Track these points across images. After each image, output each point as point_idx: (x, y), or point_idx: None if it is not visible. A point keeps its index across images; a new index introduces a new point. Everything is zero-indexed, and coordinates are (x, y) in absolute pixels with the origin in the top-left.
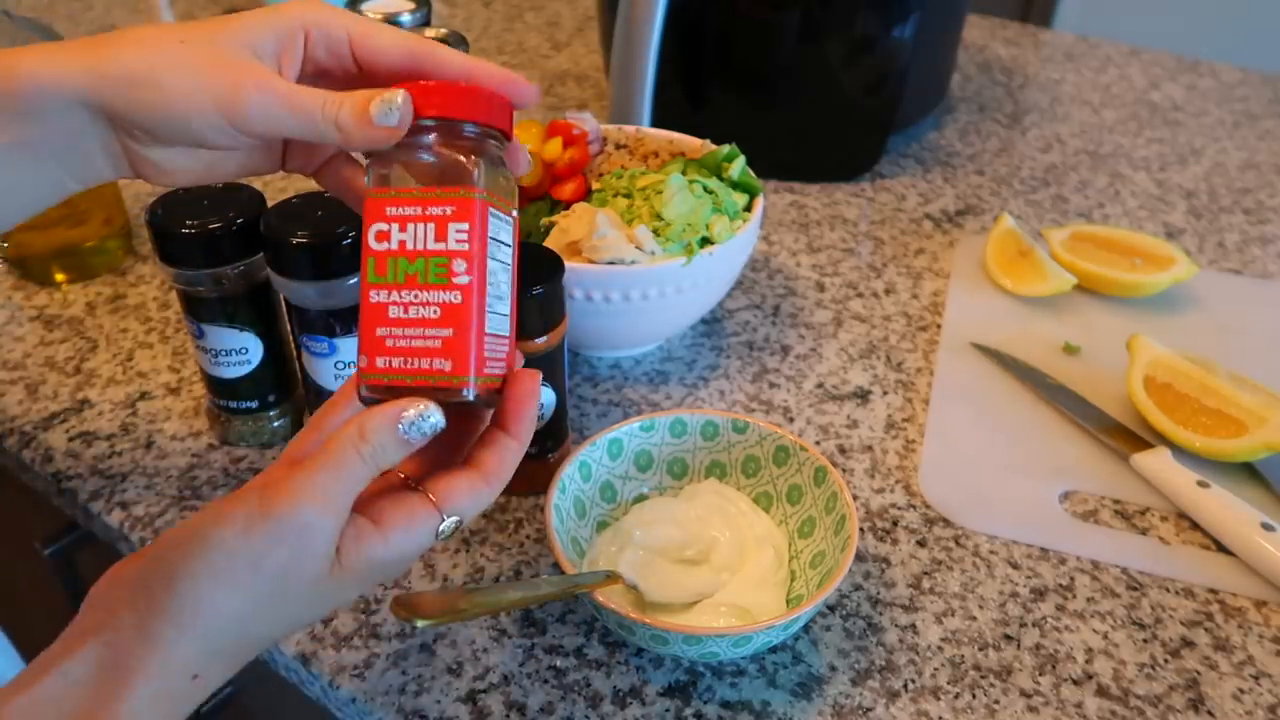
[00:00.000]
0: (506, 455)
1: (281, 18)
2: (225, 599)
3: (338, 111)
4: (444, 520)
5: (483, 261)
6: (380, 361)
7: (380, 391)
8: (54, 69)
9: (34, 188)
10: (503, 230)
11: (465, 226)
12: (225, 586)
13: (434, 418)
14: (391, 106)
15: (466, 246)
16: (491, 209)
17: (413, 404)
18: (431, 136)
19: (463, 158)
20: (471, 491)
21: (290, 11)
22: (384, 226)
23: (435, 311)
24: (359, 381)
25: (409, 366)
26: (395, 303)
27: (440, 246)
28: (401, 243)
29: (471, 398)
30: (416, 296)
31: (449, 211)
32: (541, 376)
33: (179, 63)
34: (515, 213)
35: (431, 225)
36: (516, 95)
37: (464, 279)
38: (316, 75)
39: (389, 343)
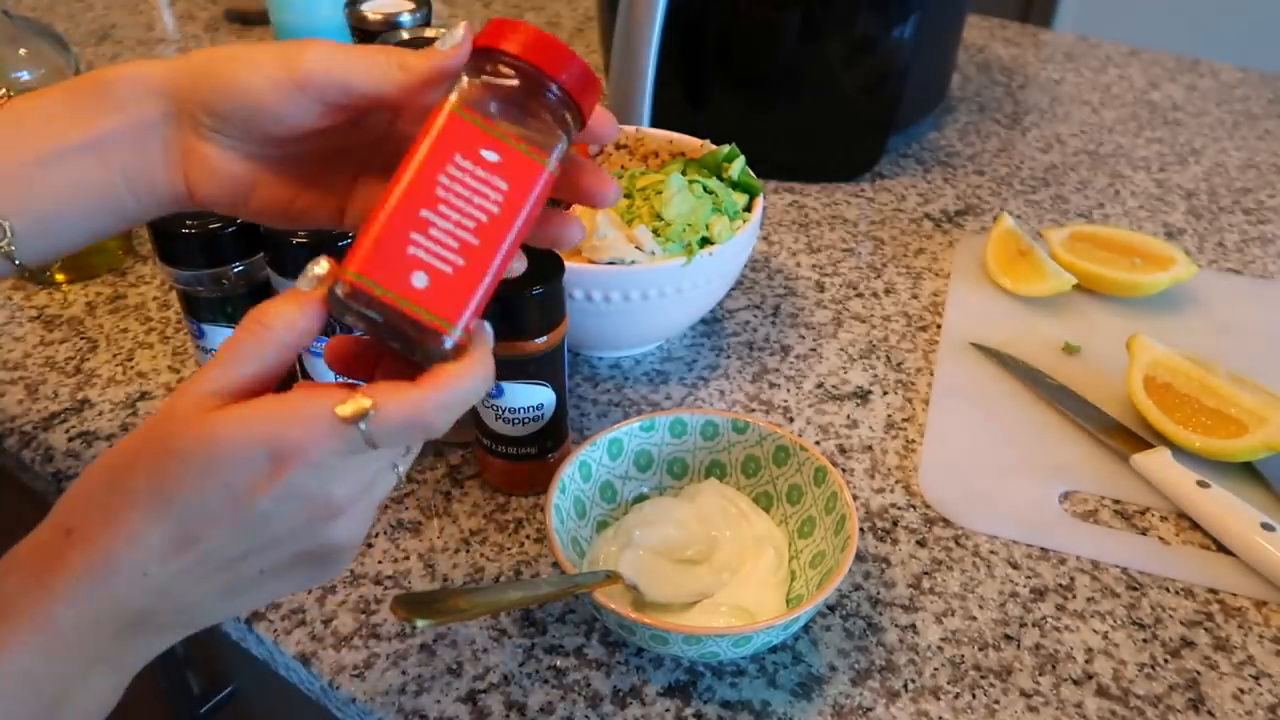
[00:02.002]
0: (441, 373)
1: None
2: (98, 460)
3: (400, 54)
4: (347, 400)
5: (520, 230)
6: (371, 270)
7: (360, 300)
8: (143, 63)
9: (90, 196)
10: (539, 209)
11: (526, 191)
12: (104, 454)
13: (321, 263)
14: (454, 32)
15: (519, 210)
16: (551, 182)
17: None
18: (541, 95)
19: (558, 129)
20: (395, 387)
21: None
22: (455, 148)
23: (459, 255)
24: (336, 277)
25: (398, 288)
26: (421, 223)
27: (496, 196)
28: (462, 172)
29: (448, 346)
30: (447, 228)
31: (521, 170)
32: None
33: (257, 44)
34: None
35: (497, 175)
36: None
37: (501, 235)
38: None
39: (393, 257)
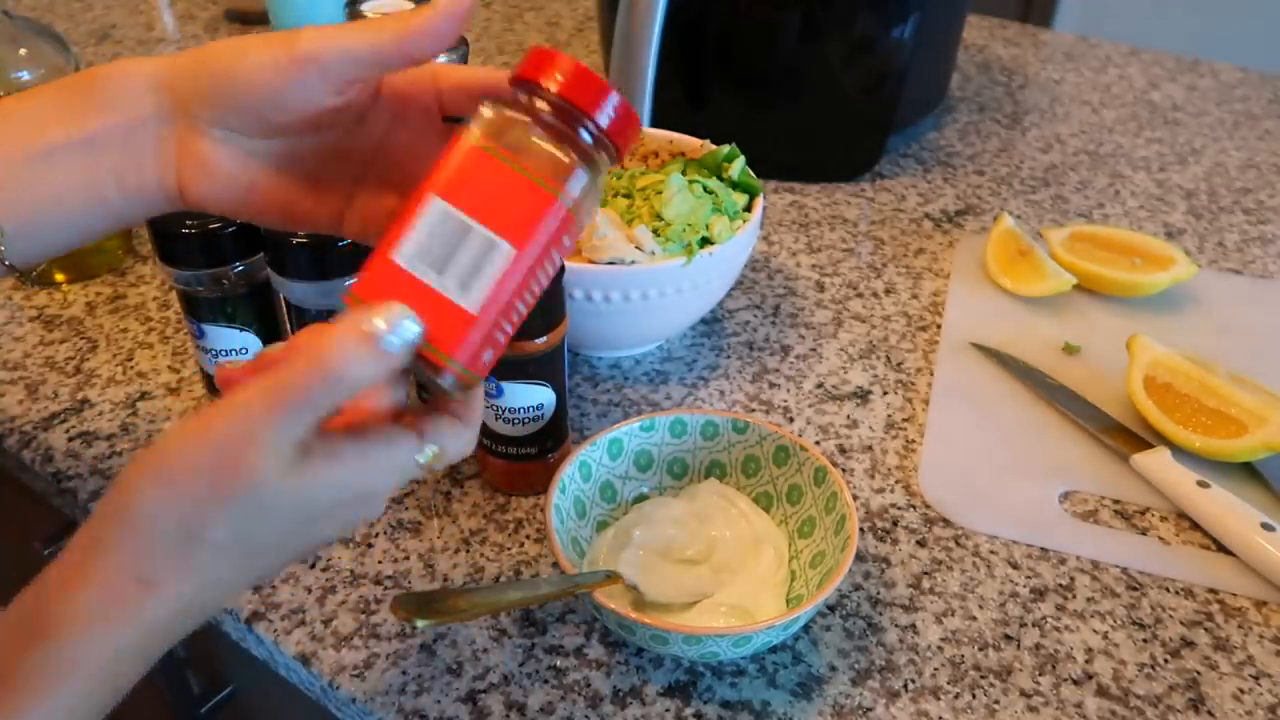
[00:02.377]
0: (475, 401)
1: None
2: (158, 496)
3: (397, 14)
4: (424, 448)
5: (531, 269)
6: (383, 299)
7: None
8: (139, 60)
9: (79, 196)
10: (558, 254)
11: (537, 224)
12: (160, 485)
13: (410, 326)
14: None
15: (529, 244)
16: (570, 225)
17: (381, 310)
18: (572, 130)
19: (582, 164)
20: (451, 427)
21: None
22: (467, 166)
23: (458, 283)
24: (347, 295)
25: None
26: (425, 245)
27: (507, 229)
28: (467, 192)
29: (448, 378)
30: (449, 254)
31: (534, 203)
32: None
33: (253, 36)
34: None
35: (510, 208)
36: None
37: (512, 269)
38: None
39: (400, 285)
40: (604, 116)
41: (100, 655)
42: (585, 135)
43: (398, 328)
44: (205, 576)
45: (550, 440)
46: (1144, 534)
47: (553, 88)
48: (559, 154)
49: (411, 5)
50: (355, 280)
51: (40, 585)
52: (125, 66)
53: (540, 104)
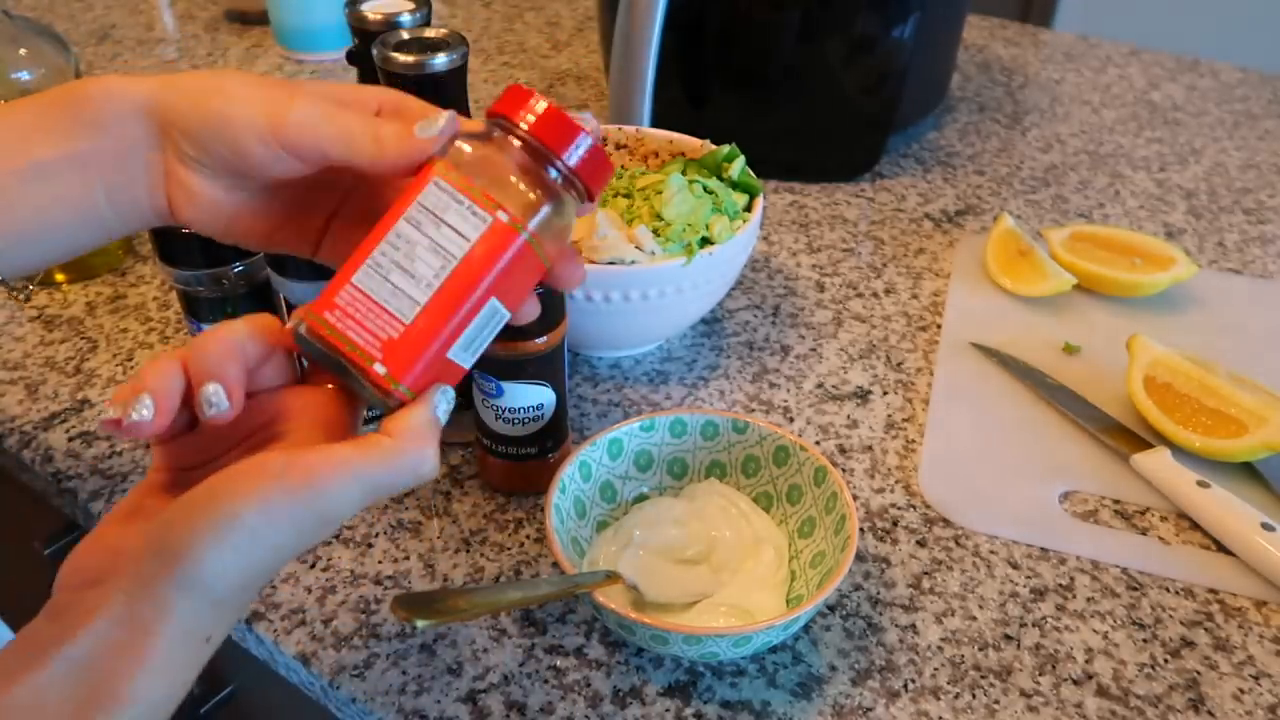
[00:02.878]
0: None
1: None
2: (238, 568)
3: (379, 127)
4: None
5: (485, 293)
6: (330, 315)
7: (315, 339)
8: (126, 81)
9: (71, 211)
10: (524, 278)
11: (496, 255)
12: (240, 556)
13: (451, 395)
14: (435, 121)
15: (485, 273)
16: (531, 252)
17: (436, 393)
18: (539, 168)
19: (546, 201)
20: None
21: None
22: (428, 205)
23: (416, 312)
24: (300, 318)
25: (352, 336)
26: (382, 276)
27: (462, 257)
28: (431, 229)
29: (392, 400)
30: (407, 283)
31: (494, 235)
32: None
33: (245, 78)
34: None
35: (466, 237)
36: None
37: (462, 297)
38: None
39: (351, 304)
40: (573, 156)
41: (165, 709)
42: (553, 173)
43: (447, 400)
44: (263, 583)
45: (550, 440)
46: (1144, 534)
47: (524, 125)
48: (523, 187)
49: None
50: (320, 293)
51: (91, 645)
52: (110, 87)
53: (511, 140)
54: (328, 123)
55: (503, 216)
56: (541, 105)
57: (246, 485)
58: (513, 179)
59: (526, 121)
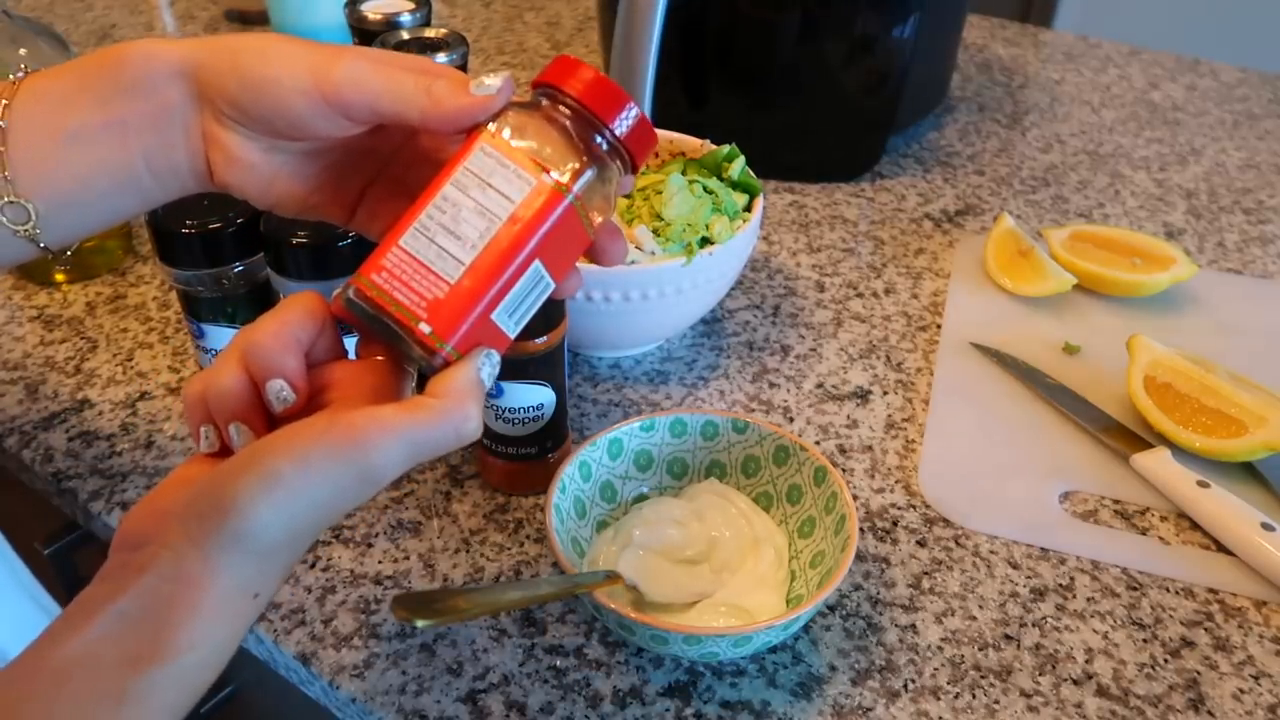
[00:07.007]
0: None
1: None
2: (279, 524)
3: (432, 82)
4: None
5: (530, 255)
6: (377, 277)
7: (362, 301)
8: (165, 44)
9: (110, 177)
10: (569, 245)
11: (542, 217)
12: (279, 511)
13: (496, 359)
14: (492, 81)
15: (531, 235)
16: (575, 217)
17: (480, 355)
18: (585, 136)
19: (591, 165)
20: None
21: None
22: (475, 161)
23: (461, 273)
24: (349, 284)
25: (399, 296)
26: (428, 237)
27: (509, 219)
28: (473, 183)
29: (437, 361)
30: (453, 245)
31: (539, 197)
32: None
33: (285, 39)
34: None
35: (513, 200)
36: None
37: (508, 258)
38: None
39: (397, 266)
40: (619, 124)
41: (215, 665)
42: (599, 140)
43: (491, 363)
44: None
45: (550, 440)
46: (1144, 534)
47: (572, 93)
48: (570, 152)
49: (411, 4)
50: (368, 257)
51: (141, 600)
52: (149, 49)
53: (559, 108)
54: (378, 77)
55: (547, 179)
56: (590, 74)
57: (287, 444)
58: (560, 144)
59: (575, 90)
